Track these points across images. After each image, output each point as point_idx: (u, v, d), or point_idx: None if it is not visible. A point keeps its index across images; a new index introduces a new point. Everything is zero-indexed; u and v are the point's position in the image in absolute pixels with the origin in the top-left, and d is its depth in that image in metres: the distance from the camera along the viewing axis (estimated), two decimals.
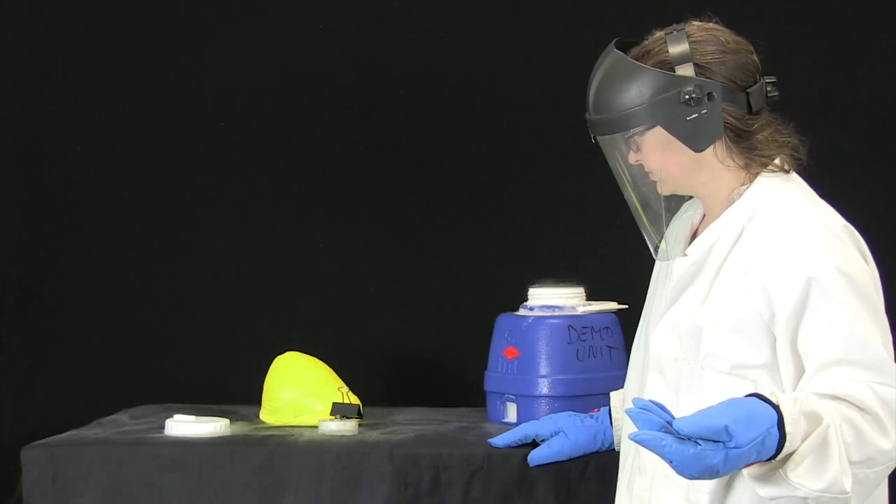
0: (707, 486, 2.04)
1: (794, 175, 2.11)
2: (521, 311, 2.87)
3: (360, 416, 2.78)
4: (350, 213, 3.56)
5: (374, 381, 3.35)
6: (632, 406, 1.83)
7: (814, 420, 1.84)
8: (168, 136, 3.56)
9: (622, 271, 2.89)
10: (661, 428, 1.77)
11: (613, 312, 2.86)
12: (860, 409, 1.88)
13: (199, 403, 3.07)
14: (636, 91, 2.03)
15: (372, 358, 3.52)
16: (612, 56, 2.07)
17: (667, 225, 2.20)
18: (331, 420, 2.74)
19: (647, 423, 1.77)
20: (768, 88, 2.09)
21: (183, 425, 2.68)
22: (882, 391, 1.90)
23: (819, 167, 2.19)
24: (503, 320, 2.87)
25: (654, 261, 2.28)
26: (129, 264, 3.55)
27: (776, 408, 1.81)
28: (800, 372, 1.98)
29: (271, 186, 3.57)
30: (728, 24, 2.13)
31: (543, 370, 2.77)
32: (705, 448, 1.76)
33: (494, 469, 2.56)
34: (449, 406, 3.09)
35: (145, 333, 3.54)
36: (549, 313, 2.81)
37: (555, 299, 2.84)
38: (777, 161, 2.09)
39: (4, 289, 3.54)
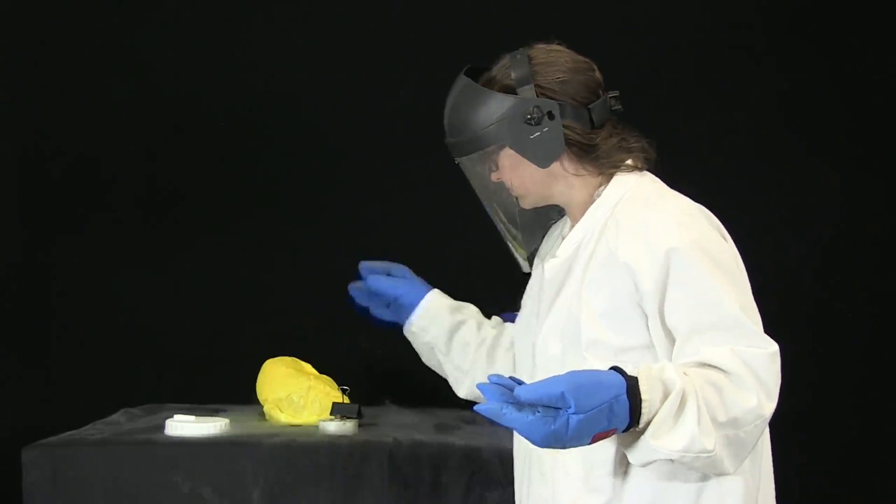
0: (605, 469, 2.09)
1: (647, 172, 2.22)
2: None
3: (360, 416, 2.79)
4: (349, 214, 3.56)
5: (374, 382, 3.35)
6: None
7: (671, 386, 1.90)
8: (168, 136, 3.56)
9: None
10: (506, 398, 1.81)
11: None
12: (723, 371, 1.95)
13: (199, 403, 3.07)
14: (483, 114, 2.16)
15: (372, 358, 3.52)
16: (460, 82, 2.20)
17: (540, 237, 2.32)
18: (331, 420, 2.74)
19: (493, 396, 1.82)
20: (611, 102, 2.20)
21: (183, 425, 2.69)
22: (743, 352, 1.96)
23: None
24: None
25: None
26: (129, 264, 3.55)
27: (629, 377, 1.86)
28: (673, 347, 2.06)
29: (272, 188, 3.57)
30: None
31: None
32: (545, 415, 1.80)
33: (494, 469, 2.56)
34: (448, 406, 3.08)
35: (145, 333, 3.54)
36: None
37: None
38: (630, 161, 2.20)
39: (4, 289, 3.54)
